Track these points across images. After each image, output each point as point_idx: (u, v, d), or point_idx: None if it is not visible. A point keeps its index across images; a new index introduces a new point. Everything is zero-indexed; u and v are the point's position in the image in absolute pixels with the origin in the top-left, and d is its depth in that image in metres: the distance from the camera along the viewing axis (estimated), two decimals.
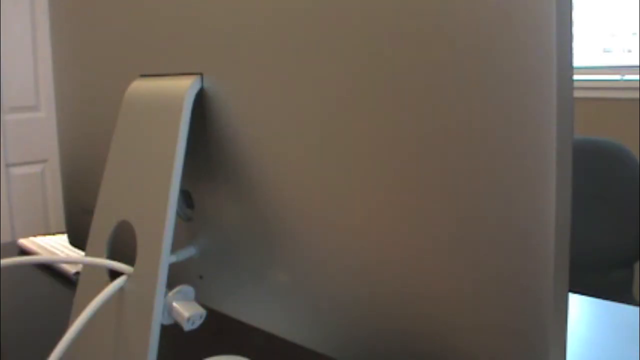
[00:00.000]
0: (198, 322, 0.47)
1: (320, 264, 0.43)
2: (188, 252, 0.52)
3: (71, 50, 0.66)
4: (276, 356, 0.62)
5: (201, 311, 0.47)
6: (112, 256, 0.52)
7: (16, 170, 2.32)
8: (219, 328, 0.71)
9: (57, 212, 2.43)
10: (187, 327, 0.46)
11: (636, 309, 0.75)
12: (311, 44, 0.41)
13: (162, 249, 0.46)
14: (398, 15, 0.37)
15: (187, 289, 0.47)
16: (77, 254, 0.91)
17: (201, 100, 0.49)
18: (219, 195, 0.50)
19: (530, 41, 0.32)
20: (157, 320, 0.46)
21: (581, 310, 0.77)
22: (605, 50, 2.23)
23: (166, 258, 0.46)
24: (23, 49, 2.25)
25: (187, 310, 0.46)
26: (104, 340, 0.50)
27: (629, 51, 2.17)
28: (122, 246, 0.55)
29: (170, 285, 0.48)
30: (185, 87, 0.48)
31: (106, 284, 0.49)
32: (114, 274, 0.49)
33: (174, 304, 0.47)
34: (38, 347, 0.67)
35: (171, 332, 0.69)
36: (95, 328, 0.51)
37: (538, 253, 0.32)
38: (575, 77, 2.19)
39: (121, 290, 0.49)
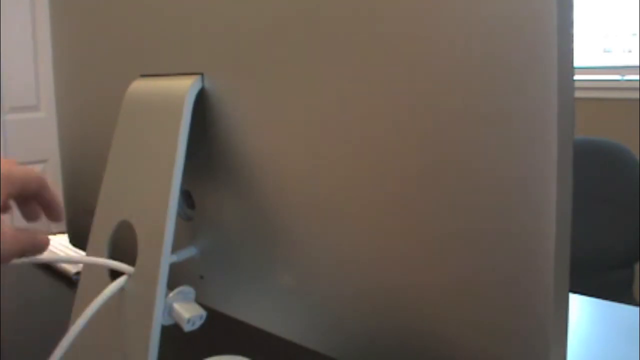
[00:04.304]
0: (198, 323, 0.47)
1: (321, 264, 0.43)
2: (189, 252, 0.52)
3: (71, 50, 0.66)
4: (276, 356, 0.62)
5: (201, 312, 0.47)
6: (112, 256, 0.52)
7: None
8: (219, 328, 0.71)
9: None
10: (187, 328, 0.46)
11: (636, 309, 0.75)
12: (312, 43, 0.41)
13: (162, 248, 0.46)
14: (397, 17, 0.37)
15: (187, 289, 0.47)
16: (77, 253, 0.91)
17: (202, 100, 0.49)
18: (219, 195, 0.50)
19: (530, 41, 0.32)
20: (158, 320, 0.46)
21: (581, 310, 0.77)
22: (605, 51, 2.23)
23: (167, 258, 0.46)
24: (23, 48, 2.25)
25: (187, 312, 0.46)
26: (104, 340, 0.50)
27: (629, 51, 2.17)
28: (123, 246, 0.55)
29: (170, 285, 0.48)
30: (185, 87, 0.48)
31: (107, 284, 0.49)
32: (115, 274, 0.49)
33: (175, 305, 0.47)
34: (38, 347, 0.67)
35: (171, 332, 0.69)
36: (96, 328, 0.51)
37: (539, 253, 0.32)
38: (576, 77, 2.19)
39: (122, 290, 0.49)
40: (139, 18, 0.55)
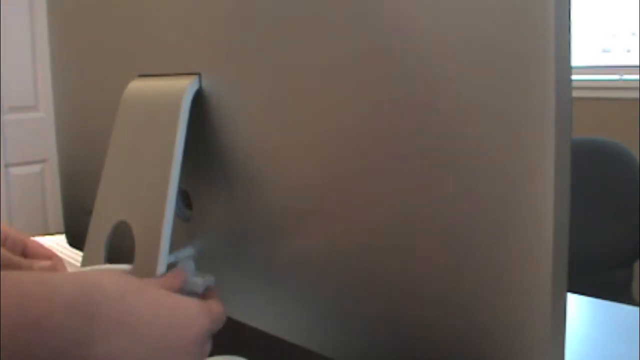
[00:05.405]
0: (211, 282, 0.47)
1: (320, 264, 0.43)
2: (186, 252, 0.52)
3: (69, 50, 0.66)
4: (276, 356, 0.62)
5: (210, 277, 0.47)
6: (110, 257, 0.52)
7: (15, 171, 2.32)
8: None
9: (56, 212, 2.42)
10: (202, 289, 0.46)
11: (636, 309, 0.75)
12: (309, 44, 0.41)
13: (160, 249, 0.46)
14: (393, 14, 0.37)
15: (186, 261, 0.48)
16: (75, 254, 0.91)
17: (199, 101, 0.49)
18: (217, 195, 0.50)
19: (528, 41, 0.31)
20: None
21: (581, 310, 0.77)
22: (604, 50, 2.23)
23: (164, 258, 0.46)
24: (22, 48, 2.25)
25: (197, 277, 0.47)
26: None
27: (628, 51, 2.17)
28: (121, 246, 0.55)
29: None
30: (183, 87, 0.48)
31: None
32: None
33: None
34: None
35: None
36: None
37: (536, 253, 0.32)
38: (574, 77, 2.18)
39: None
40: (137, 18, 0.55)
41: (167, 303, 0.39)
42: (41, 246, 0.55)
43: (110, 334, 0.35)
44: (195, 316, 0.40)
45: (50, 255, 0.55)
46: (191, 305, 0.41)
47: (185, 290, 0.47)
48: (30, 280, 0.35)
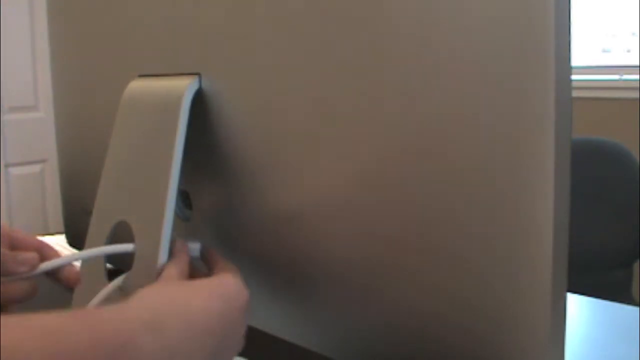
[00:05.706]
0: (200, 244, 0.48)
1: (321, 264, 0.43)
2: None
3: (69, 50, 0.66)
4: (276, 356, 0.62)
5: (199, 244, 0.48)
6: (110, 257, 0.52)
7: (15, 170, 2.31)
8: None
9: (56, 212, 2.42)
10: (199, 252, 0.47)
11: (636, 309, 0.75)
12: (308, 44, 0.41)
13: (160, 249, 0.46)
14: (393, 17, 0.37)
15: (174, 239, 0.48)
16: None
17: (199, 101, 0.49)
18: (217, 195, 0.50)
19: (528, 41, 0.31)
20: None
21: (581, 310, 0.77)
22: (604, 50, 2.23)
23: (164, 258, 0.46)
24: (22, 48, 2.25)
25: (192, 243, 0.47)
26: None
27: (628, 51, 2.17)
28: None
29: None
30: (183, 87, 0.48)
31: (104, 285, 0.49)
32: (112, 275, 0.49)
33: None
34: None
35: None
36: None
37: (536, 253, 0.32)
38: (574, 77, 2.17)
39: (119, 290, 0.48)
40: (137, 18, 0.55)
41: (211, 291, 0.41)
42: (28, 237, 0.54)
43: (184, 341, 0.36)
44: (238, 290, 0.42)
45: (38, 246, 0.54)
46: (230, 282, 0.42)
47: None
48: (102, 309, 0.36)
